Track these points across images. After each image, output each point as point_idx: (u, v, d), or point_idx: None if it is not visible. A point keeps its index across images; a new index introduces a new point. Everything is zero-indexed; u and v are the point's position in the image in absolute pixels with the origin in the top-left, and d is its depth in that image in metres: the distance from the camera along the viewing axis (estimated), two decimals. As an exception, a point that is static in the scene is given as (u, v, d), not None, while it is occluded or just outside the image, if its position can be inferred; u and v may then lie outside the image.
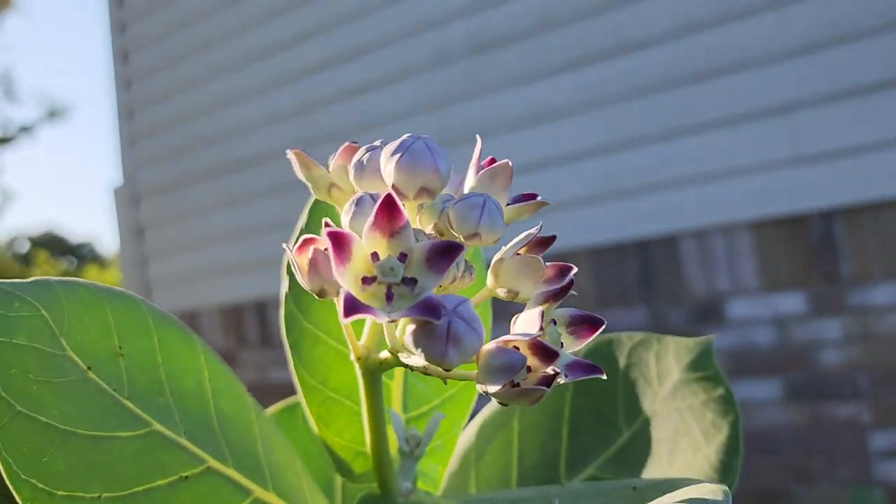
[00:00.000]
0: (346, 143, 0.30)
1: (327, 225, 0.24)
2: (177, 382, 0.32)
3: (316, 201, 0.38)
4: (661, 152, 2.11)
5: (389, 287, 0.24)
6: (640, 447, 0.30)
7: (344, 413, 0.35)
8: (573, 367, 0.25)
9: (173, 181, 3.16)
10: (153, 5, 3.24)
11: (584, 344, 0.26)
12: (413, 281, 0.24)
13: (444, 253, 0.24)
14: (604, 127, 2.19)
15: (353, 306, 0.23)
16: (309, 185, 0.31)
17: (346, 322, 0.23)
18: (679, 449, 0.29)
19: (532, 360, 0.24)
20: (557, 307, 0.26)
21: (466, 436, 0.37)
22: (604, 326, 0.26)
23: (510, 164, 0.28)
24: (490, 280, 0.27)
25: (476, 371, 0.24)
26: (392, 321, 0.23)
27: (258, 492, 0.33)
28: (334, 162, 0.30)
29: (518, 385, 0.24)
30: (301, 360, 0.35)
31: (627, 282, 2.18)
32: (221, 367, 0.35)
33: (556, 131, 2.25)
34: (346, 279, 0.24)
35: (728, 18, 2.01)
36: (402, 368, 0.35)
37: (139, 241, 3.29)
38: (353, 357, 0.29)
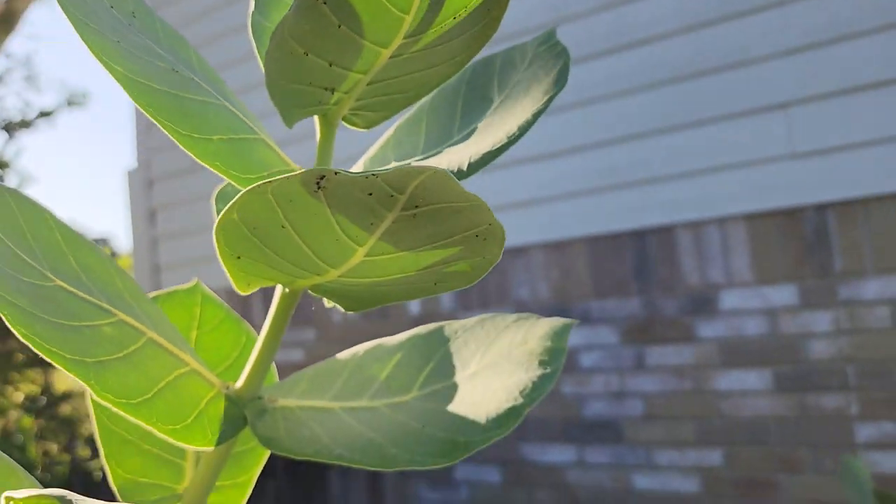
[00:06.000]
0: None
1: None
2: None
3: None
4: (660, 147, 2.14)
5: None
6: (506, 109, 0.38)
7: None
8: None
9: (187, 165, 3.23)
10: (175, -6, 3.32)
11: None
12: None
13: None
14: (604, 121, 2.22)
15: None
16: None
17: None
18: (530, 94, 0.37)
19: None
20: None
21: (384, 135, 0.42)
22: None
23: None
24: None
25: None
26: None
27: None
28: None
29: None
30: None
31: (624, 272, 2.20)
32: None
33: (557, 125, 2.29)
34: None
35: (729, 16, 2.04)
36: None
37: (150, 223, 3.37)
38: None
